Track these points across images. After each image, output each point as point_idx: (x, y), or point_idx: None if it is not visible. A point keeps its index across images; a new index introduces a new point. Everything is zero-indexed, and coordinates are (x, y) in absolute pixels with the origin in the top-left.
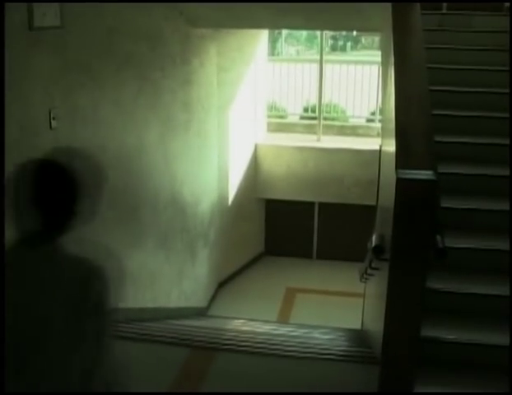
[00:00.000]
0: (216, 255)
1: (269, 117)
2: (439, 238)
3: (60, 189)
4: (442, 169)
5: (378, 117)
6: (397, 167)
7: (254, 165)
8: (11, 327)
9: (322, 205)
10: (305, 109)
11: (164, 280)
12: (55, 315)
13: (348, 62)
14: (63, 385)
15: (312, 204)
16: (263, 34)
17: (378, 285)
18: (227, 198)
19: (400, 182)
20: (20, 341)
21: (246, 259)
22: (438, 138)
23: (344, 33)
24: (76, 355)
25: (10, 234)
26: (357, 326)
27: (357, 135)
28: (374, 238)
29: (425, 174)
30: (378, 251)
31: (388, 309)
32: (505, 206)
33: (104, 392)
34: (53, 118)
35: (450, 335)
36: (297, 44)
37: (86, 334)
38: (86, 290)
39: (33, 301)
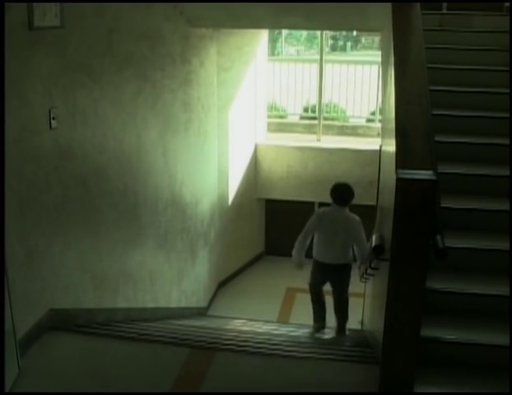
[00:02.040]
0: (216, 255)
1: (269, 117)
2: (439, 238)
3: (349, 192)
4: (442, 169)
5: (378, 117)
6: (397, 167)
7: (254, 165)
8: (329, 231)
9: (322, 205)
10: (305, 109)
11: (164, 280)
12: (345, 230)
13: (348, 62)
14: (345, 253)
15: (312, 204)
16: (263, 34)
17: (378, 285)
18: (227, 198)
19: (400, 182)
20: (330, 236)
21: (246, 259)
22: (438, 138)
23: (344, 33)
24: (351, 242)
25: (10, 234)
26: (357, 326)
27: (357, 135)
28: (374, 238)
29: (425, 174)
30: (378, 251)
31: (388, 309)
32: (505, 206)
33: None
34: (53, 118)
35: (450, 335)
36: (297, 44)
37: (355, 239)
38: (357, 225)
39: (338, 226)
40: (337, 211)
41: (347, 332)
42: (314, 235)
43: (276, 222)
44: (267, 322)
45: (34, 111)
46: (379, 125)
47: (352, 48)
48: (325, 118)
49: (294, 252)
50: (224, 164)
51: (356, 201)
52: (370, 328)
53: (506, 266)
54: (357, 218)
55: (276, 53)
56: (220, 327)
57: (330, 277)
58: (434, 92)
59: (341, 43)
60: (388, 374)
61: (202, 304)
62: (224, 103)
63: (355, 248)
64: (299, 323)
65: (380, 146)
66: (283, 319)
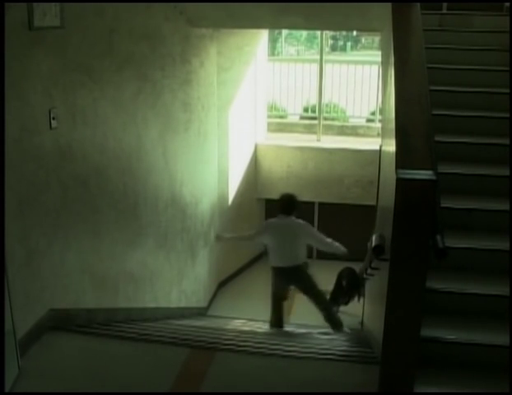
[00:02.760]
0: (216, 255)
1: (269, 117)
2: (439, 238)
3: (293, 202)
4: (442, 169)
5: (378, 117)
6: (397, 167)
7: (254, 165)
8: (278, 238)
9: (322, 205)
10: (305, 109)
11: (164, 280)
12: (292, 235)
13: (348, 62)
14: (296, 255)
15: (312, 204)
16: (263, 34)
17: (378, 285)
18: (227, 198)
19: (400, 182)
20: (281, 243)
21: (246, 259)
22: (438, 138)
23: (344, 33)
24: (301, 245)
25: (10, 234)
26: (357, 326)
27: (357, 135)
28: (374, 238)
29: (425, 174)
30: (378, 251)
31: (388, 309)
32: (505, 206)
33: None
34: (53, 118)
35: (450, 335)
36: (297, 44)
37: (316, 240)
38: (304, 227)
39: (287, 231)
40: (283, 220)
41: (344, 326)
42: (268, 245)
43: None
44: (268, 322)
45: (34, 111)
46: (379, 125)
47: (352, 48)
48: (325, 118)
49: (229, 236)
50: (224, 164)
51: (356, 201)
52: (370, 328)
53: (506, 266)
54: (304, 222)
55: (276, 53)
56: (220, 327)
57: (292, 281)
58: (434, 92)
59: (341, 43)
60: (388, 374)
61: (202, 304)
62: (224, 103)
63: (322, 247)
64: (299, 323)
65: (380, 146)
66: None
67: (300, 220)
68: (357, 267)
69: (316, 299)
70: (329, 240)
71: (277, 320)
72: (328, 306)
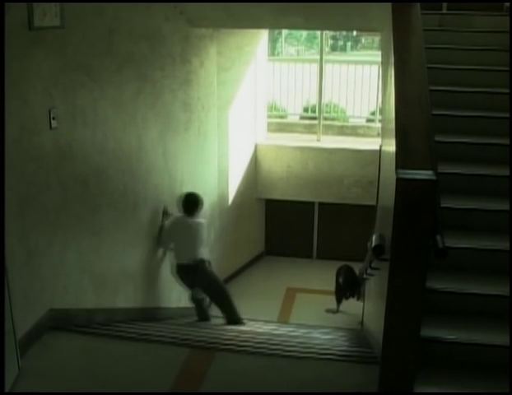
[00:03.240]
0: (216, 255)
1: (269, 117)
2: (439, 238)
3: (194, 202)
4: (442, 169)
5: (378, 117)
6: (397, 167)
7: (254, 165)
8: (179, 236)
9: (322, 205)
10: (305, 109)
11: (164, 280)
12: (191, 232)
13: (348, 62)
14: (195, 251)
15: (312, 204)
16: (263, 34)
17: (378, 285)
18: (227, 198)
19: (400, 182)
20: (181, 240)
21: (246, 259)
22: (438, 138)
23: (344, 33)
24: (198, 243)
25: (10, 234)
26: (357, 326)
27: (357, 135)
28: (374, 238)
29: (425, 174)
30: (378, 251)
31: (388, 309)
32: (505, 206)
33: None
34: (53, 118)
35: (450, 335)
36: (297, 44)
37: (201, 238)
38: (201, 227)
39: (186, 229)
40: (185, 219)
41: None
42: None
43: (277, 222)
44: (267, 322)
45: (34, 111)
46: (379, 125)
47: (352, 48)
48: (325, 118)
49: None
50: (224, 164)
51: (356, 201)
52: (370, 328)
53: (506, 266)
54: (202, 221)
55: (276, 53)
56: (220, 327)
57: (195, 279)
58: (434, 92)
59: (341, 43)
60: (388, 374)
61: None
62: (224, 103)
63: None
64: (299, 323)
65: (380, 146)
66: (283, 319)
67: (201, 219)
68: (357, 267)
69: (216, 296)
70: (207, 241)
71: (199, 313)
72: (229, 308)
